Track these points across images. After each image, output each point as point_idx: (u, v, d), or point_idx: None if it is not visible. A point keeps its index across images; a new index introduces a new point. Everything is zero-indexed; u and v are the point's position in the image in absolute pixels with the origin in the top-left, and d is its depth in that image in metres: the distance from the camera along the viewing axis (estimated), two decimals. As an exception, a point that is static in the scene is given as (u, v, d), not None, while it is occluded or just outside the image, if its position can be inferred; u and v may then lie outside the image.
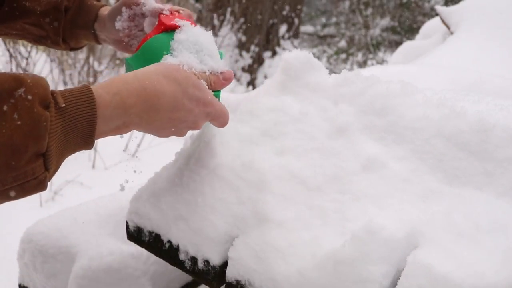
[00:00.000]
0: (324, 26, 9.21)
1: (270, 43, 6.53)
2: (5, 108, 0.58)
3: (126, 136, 3.63)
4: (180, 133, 0.80)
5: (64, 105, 0.63)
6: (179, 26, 0.87)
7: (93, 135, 0.68)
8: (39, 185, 0.63)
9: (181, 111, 0.76)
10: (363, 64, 7.34)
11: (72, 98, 0.65)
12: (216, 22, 6.20)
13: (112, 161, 3.40)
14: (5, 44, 3.98)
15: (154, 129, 0.76)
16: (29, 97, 0.60)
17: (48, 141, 0.61)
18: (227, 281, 0.81)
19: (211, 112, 0.80)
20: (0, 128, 0.57)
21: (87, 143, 0.68)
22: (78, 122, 0.65)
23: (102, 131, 0.70)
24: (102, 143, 3.51)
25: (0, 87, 0.58)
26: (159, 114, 0.74)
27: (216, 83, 0.84)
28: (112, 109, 0.69)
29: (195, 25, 0.89)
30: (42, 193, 2.90)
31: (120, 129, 0.72)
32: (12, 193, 0.61)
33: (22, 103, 0.59)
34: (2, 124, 0.57)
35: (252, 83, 6.44)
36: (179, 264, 0.87)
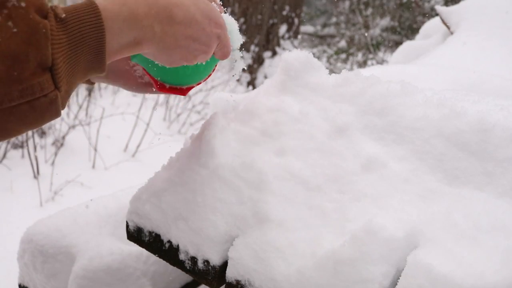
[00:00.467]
0: (324, 26, 9.21)
1: (270, 43, 6.53)
2: None
3: (126, 136, 3.64)
4: (191, 56, 0.75)
5: (64, 15, 0.60)
6: None
7: (104, 51, 0.63)
8: (51, 106, 0.59)
9: (194, 26, 0.72)
10: (363, 64, 7.34)
11: (74, 11, 0.61)
12: (216, 22, 6.17)
13: (112, 161, 3.40)
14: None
15: (167, 48, 0.72)
16: (23, 4, 0.56)
17: (52, 53, 0.58)
18: (227, 281, 0.81)
19: (222, 35, 0.77)
20: None
21: (99, 61, 0.64)
22: (84, 35, 0.61)
23: (113, 48, 0.65)
24: (102, 143, 3.51)
25: None
26: (173, 27, 0.70)
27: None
28: (122, 22, 0.65)
29: None
30: (42, 193, 2.91)
31: (132, 47, 0.68)
32: (22, 113, 0.58)
33: (16, 11, 0.56)
34: None
35: (252, 83, 6.44)
36: (179, 264, 0.87)
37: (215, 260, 0.82)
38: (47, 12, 0.59)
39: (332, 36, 8.91)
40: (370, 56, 7.52)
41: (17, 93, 0.56)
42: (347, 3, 8.47)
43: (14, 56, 0.55)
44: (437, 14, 2.83)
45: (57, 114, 0.61)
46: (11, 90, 0.56)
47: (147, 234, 0.91)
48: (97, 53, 0.63)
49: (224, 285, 0.83)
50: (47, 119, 0.61)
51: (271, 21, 6.43)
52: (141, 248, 1.07)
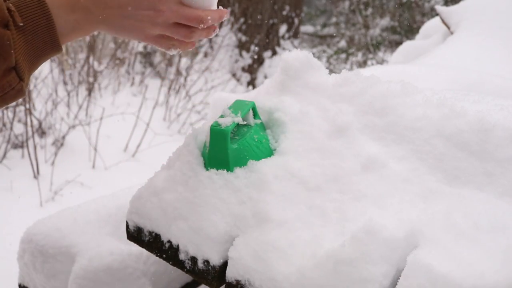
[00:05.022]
0: (324, 26, 9.21)
1: (270, 43, 6.52)
2: None
3: (126, 136, 3.64)
4: (141, 31, 0.78)
5: (22, 24, 0.68)
6: None
7: (56, 37, 0.72)
8: (18, 93, 0.70)
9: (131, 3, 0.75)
10: (363, 64, 7.33)
11: (28, 14, 0.69)
12: (216, 22, 6.16)
13: (112, 161, 3.40)
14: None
15: (116, 28, 0.77)
16: None
17: (15, 55, 0.67)
18: (227, 281, 0.81)
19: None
20: None
21: (55, 48, 0.73)
22: (38, 30, 0.70)
23: (63, 34, 0.73)
24: (102, 143, 3.51)
25: None
26: (107, 10, 0.74)
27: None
28: (65, 7, 0.72)
29: None
30: (42, 193, 2.91)
31: (78, 30, 0.74)
32: None
33: None
34: None
35: (252, 83, 6.43)
36: (179, 264, 0.87)
37: (215, 260, 0.82)
38: (8, 21, 0.66)
39: (332, 36, 8.91)
40: (370, 56, 7.52)
41: None
42: (347, 3, 8.46)
43: None
44: (437, 14, 2.83)
45: (23, 95, 0.72)
46: None
47: (147, 234, 0.91)
48: (51, 41, 0.72)
49: (224, 285, 0.83)
50: (15, 101, 0.72)
51: (271, 21, 6.42)
52: (141, 248, 1.07)
